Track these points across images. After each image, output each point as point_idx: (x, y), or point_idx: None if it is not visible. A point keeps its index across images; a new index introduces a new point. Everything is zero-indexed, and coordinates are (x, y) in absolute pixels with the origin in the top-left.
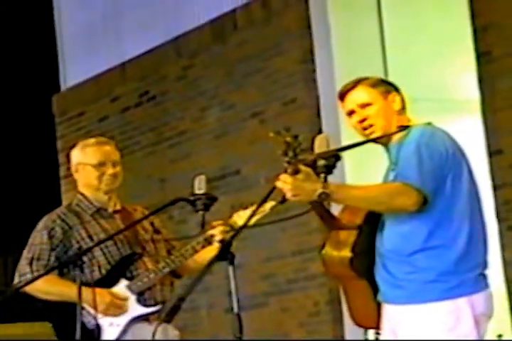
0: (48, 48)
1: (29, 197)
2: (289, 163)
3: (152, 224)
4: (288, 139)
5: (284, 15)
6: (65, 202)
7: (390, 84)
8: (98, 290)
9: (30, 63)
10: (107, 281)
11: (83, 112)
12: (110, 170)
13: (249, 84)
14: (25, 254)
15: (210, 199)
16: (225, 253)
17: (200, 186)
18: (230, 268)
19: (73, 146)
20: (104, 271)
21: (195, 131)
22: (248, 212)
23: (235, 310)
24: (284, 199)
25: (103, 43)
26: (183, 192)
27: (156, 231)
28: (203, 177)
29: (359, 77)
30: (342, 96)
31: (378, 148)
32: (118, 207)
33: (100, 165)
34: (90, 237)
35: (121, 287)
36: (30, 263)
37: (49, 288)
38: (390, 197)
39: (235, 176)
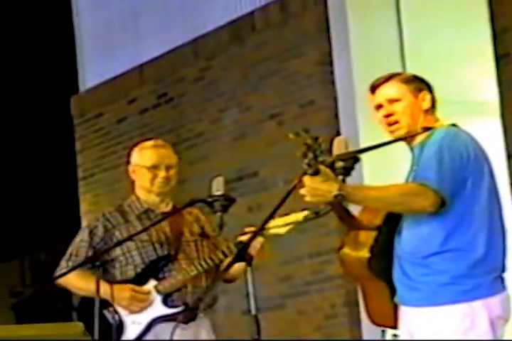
0: (67, 50)
1: (47, 198)
2: (309, 165)
3: (202, 228)
4: (308, 141)
5: (302, 18)
6: (82, 204)
7: (424, 81)
8: (118, 285)
9: (49, 65)
10: (138, 281)
11: (101, 113)
12: (163, 174)
13: (267, 85)
14: (67, 251)
15: (228, 201)
16: (243, 255)
17: (218, 187)
18: (248, 270)
19: (134, 146)
20: (138, 270)
21: (213, 132)
22: (280, 219)
23: (253, 311)
24: (318, 212)
25: (121, 45)
26: (201, 194)
27: (204, 235)
28: (220, 178)
29: (393, 72)
30: (373, 89)
31: (397, 150)
32: (168, 209)
33: (154, 167)
34: (131, 236)
35: (149, 287)
36: (68, 259)
37: (78, 283)
38: (407, 198)
39: (253, 178)
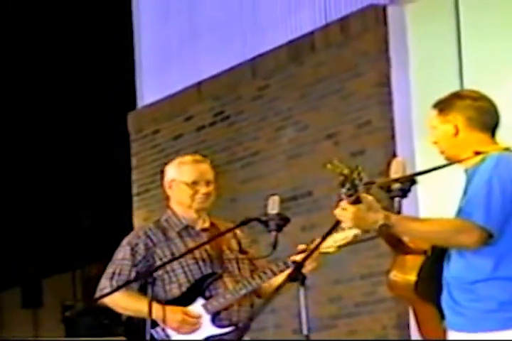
0: (126, 66)
1: (101, 212)
2: (349, 195)
3: (239, 243)
4: (345, 171)
5: (362, 38)
6: (135, 219)
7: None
8: (170, 307)
9: (108, 80)
10: (185, 299)
11: (158, 130)
12: (203, 190)
13: (324, 105)
14: (108, 269)
15: (283, 220)
16: (297, 275)
17: (273, 206)
18: (301, 290)
19: (169, 162)
20: (183, 289)
21: (269, 151)
22: (330, 237)
23: (304, 331)
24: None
25: (180, 62)
26: (253, 212)
27: (243, 252)
28: (276, 197)
29: (442, 97)
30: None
31: (452, 171)
32: (206, 225)
33: (194, 183)
34: (173, 255)
35: (197, 306)
36: (111, 278)
37: (126, 303)
38: (451, 235)
39: (307, 198)
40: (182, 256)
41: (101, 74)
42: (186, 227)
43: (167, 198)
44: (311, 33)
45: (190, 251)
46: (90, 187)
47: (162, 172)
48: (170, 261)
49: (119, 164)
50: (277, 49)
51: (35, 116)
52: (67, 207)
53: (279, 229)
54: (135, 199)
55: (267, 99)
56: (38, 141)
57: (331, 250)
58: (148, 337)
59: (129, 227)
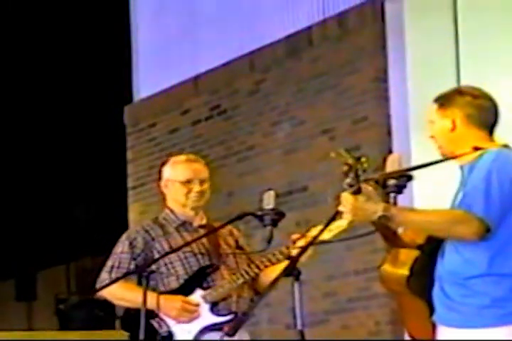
0: (123, 59)
1: (96, 206)
2: (350, 185)
3: (237, 241)
4: (349, 161)
5: (359, 34)
6: (131, 213)
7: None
8: (168, 296)
9: (105, 73)
10: (184, 291)
11: (154, 124)
12: (197, 188)
13: (321, 100)
14: (107, 263)
15: (278, 215)
16: (292, 270)
17: (268, 201)
18: (296, 285)
19: (165, 162)
20: (181, 281)
21: (265, 145)
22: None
23: (299, 326)
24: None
25: (177, 56)
26: (249, 207)
27: (240, 248)
28: (272, 192)
29: (443, 92)
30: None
31: (447, 167)
32: (203, 222)
33: (188, 182)
34: (171, 249)
35: (196, 296)
36: (110, 271)
37: (123, 294)
38: (451, 225)
39: (302, 192)
40: (179, 248)
41: (97, 68)
42: (184, 223)
43: (164, 197)
44: (309, 27)
45: (187, 244)
46: (85, 180)
47: (160, 172)
48: (166, 254)
49: (114, 157)
50: (274, 43)
51: (31, 109)
52: (62, 200)
53: (274, 223)
54: (130, 192)
55: (263, 93)
56: (33, 134)
57: (326, 237)
58: (142, 327)
59: (124, 221)
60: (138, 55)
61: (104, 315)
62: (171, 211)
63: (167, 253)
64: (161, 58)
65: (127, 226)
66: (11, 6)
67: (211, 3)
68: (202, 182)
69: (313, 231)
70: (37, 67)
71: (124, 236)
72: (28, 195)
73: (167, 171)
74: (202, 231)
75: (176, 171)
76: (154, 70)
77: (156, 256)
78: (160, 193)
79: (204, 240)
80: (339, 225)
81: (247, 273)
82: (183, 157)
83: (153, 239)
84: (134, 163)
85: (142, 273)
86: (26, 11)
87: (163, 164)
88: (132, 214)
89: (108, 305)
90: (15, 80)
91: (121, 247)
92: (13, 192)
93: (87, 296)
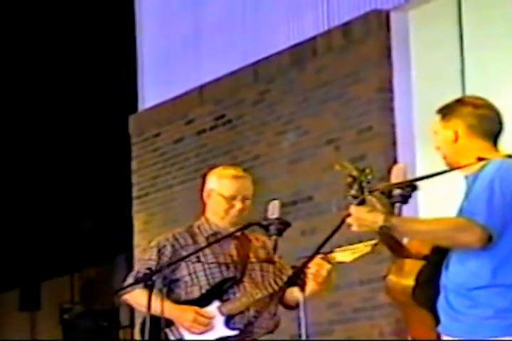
0: (128, 69)
1: (101, 215)
2: (354, 197)
3: (268, 254)
4: (353, 173)
5: (364, 44)
6: (135, 222)
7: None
8: (183, 306)
9: (110, 83)
10: (202, 301)
11: (159, 133)
12: (239, 205)
13: (326, 110)
14: (134, 268)
15: (283, 225)
16: (296, 280)
17: (273, 211)
18: (300, 295)
19: (211, 169)
20: (203, 291)
21: (270, 155)
22: (349, 249)
23: (303, 337)
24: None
25: (182, 66)
26: (254, 216)
27: (270, 261)
28: (277, 202)
29: (446, 103)
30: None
31: (452, 177)
32: (237, 233)
33: (231, 198)
34: (198, 259)
35: (213, 308)
36: (136, 277)
37: (144, 300)
38: (453, 233)
39: (307, 202)
40: (188, 256)
41: (102, 77)
42: (215, 233)
43: (204, 205)
44: (314, 37)
45: (198, 251)
46: (90, 190)
47: (204, 176)
48: (186, 257)
49: (119, 167)
50: (279, 53)
51: (36, 118)
52: (67, 209)
53: (280, 233)
54: (135, 202)
55: (268, 103)
56: (39, 144)
57: (347, 259)
58: (146, 333)
59: (128, 231)
60: (143, 64)
61: (109, 325)
62: (207, 220)
63: (171, 264)
64: (166, 68)
65: (131, 236)
66: (14, 16)
67: (216, 14)
68: (245, 199)
69: (335, 254)
70: (43, 76)
71: (153, 243)
72: (32, 205)
73: (212, 182)
74: (233, 242)
75: (221, 185)
76: (159, 80)
77: (183, 264)
78: (200, 200)
79: (233, 251)
80: (363, 250)
81: (266, 288)
82: (231, 171)
83: (181, 247)
84: (138, 173)
85: (146, 282)
86: (31, 19)
87: (209, 171)
88: (137, 224)
89: (112, 315)
90: (20, 90)
91: (150, 254)
92: (19, 202)
93: (92, 306)
